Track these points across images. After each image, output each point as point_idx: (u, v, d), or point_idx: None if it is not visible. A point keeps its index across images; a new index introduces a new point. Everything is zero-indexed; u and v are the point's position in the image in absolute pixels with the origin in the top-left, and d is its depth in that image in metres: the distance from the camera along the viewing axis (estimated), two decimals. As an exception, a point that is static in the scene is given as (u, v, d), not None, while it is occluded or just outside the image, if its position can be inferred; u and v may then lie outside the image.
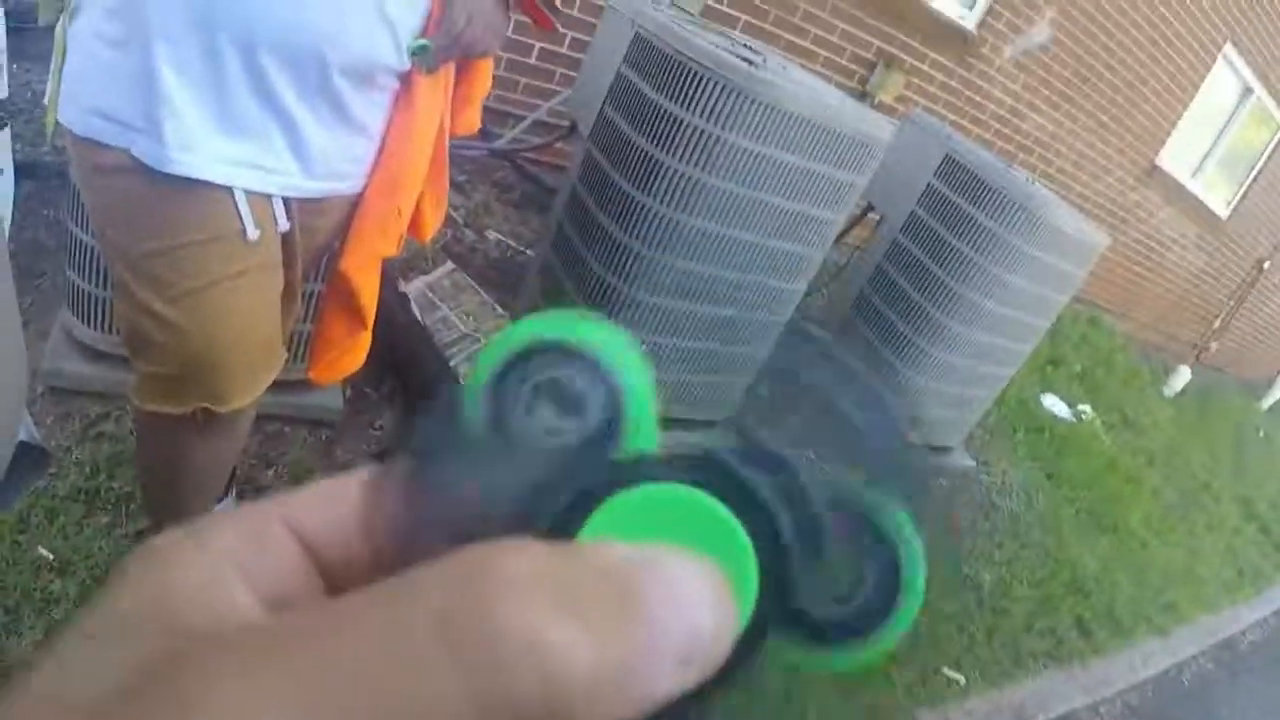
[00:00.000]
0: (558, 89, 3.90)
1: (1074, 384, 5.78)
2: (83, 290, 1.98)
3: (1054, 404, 5.23)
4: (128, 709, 0.16)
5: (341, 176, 1.31)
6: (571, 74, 3.84)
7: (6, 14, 1.67)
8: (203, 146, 1.13)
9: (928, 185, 3.44)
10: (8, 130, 1.71)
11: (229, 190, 1.17)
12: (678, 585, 0.19)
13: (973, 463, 4.07)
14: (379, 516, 0.22)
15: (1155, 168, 7.59)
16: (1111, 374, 6.51)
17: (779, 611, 0.22)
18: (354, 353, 1.57)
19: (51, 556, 1.73)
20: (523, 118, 3.88)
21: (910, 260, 3.47)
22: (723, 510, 0.21)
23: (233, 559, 0.20)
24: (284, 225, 1.27)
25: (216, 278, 1.21)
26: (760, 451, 0.23)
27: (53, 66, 1.19)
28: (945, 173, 3.39)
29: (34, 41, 2.49)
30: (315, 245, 1.42)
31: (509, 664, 0.16)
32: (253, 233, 1.20)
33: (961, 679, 2.90)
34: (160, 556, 0.20)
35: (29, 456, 1.51)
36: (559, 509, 0.22)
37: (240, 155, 1.17)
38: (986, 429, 4.44)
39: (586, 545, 0.20)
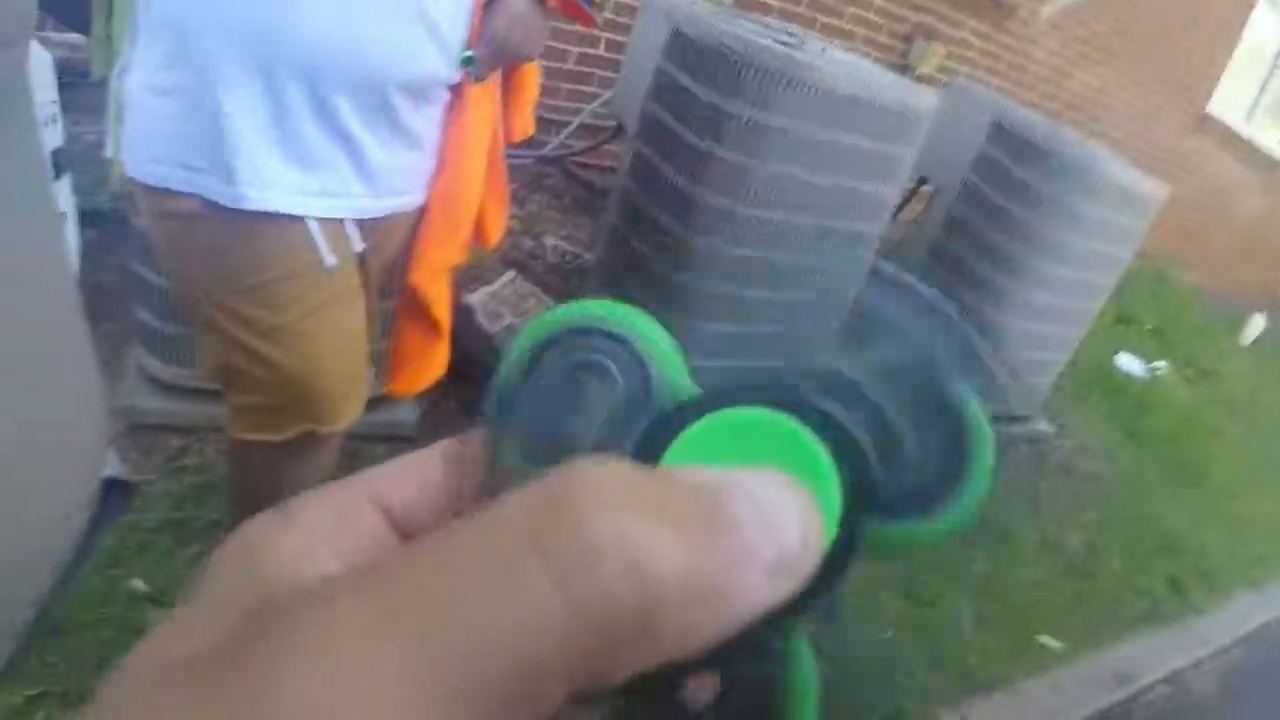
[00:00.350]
0: (598, 91, 3.92)
1: (1146, 340, 5.65)
2: (154, 328, 2.03)
3: (1128, 362, 5.11)
4: (204, 681, 0.16)
5: (403, 192, 1.33)
6: (610, 75, 3.86)
7: (58, 69, 1.72)
8: (274, 181, 1.15)
9: (979, 152, 3.39)
10: (67, 177, 1.76)
11: (303, 221, 1.19)
12: (764, 500, 0.19)
13: (1051, 428, 3.99)
14: (462, 484, 0.23)
15: (1206, 115, 7.40)
16: (1184, 327, 6.34)
17: (867, 504, 0.22)
18: (434, 362, 1.59)
19: (145, 588, 1.77)
20: (567, 123, 3.91)
21: (969, 229, 3.43)
22: (797, 427, 0.22)
23: (321, 535, 0.21)
24: (358, 246, 1.29)
25: (305, 310, 1.24)
26: (819, 371, 0.23)
27: (110, 119, 1.22)
28: (995, 138, 3.35)
29: (85, 95, 2.56)
30: (384, 264, 1.43)
31: (601, 567, 0.16)
32: (330, 260, 1.23)
33: (1058, 645, 2.85)
34: (251, 538, 0.21)
35: (116, 491, 1.56)
36: (635, 443, 0.23)
37: (310, 185, 1.18)
38: (1062, 393, 4.36)
39: (670, 467, 0.21)
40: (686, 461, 0.22)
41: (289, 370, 1.27)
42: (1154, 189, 3.39)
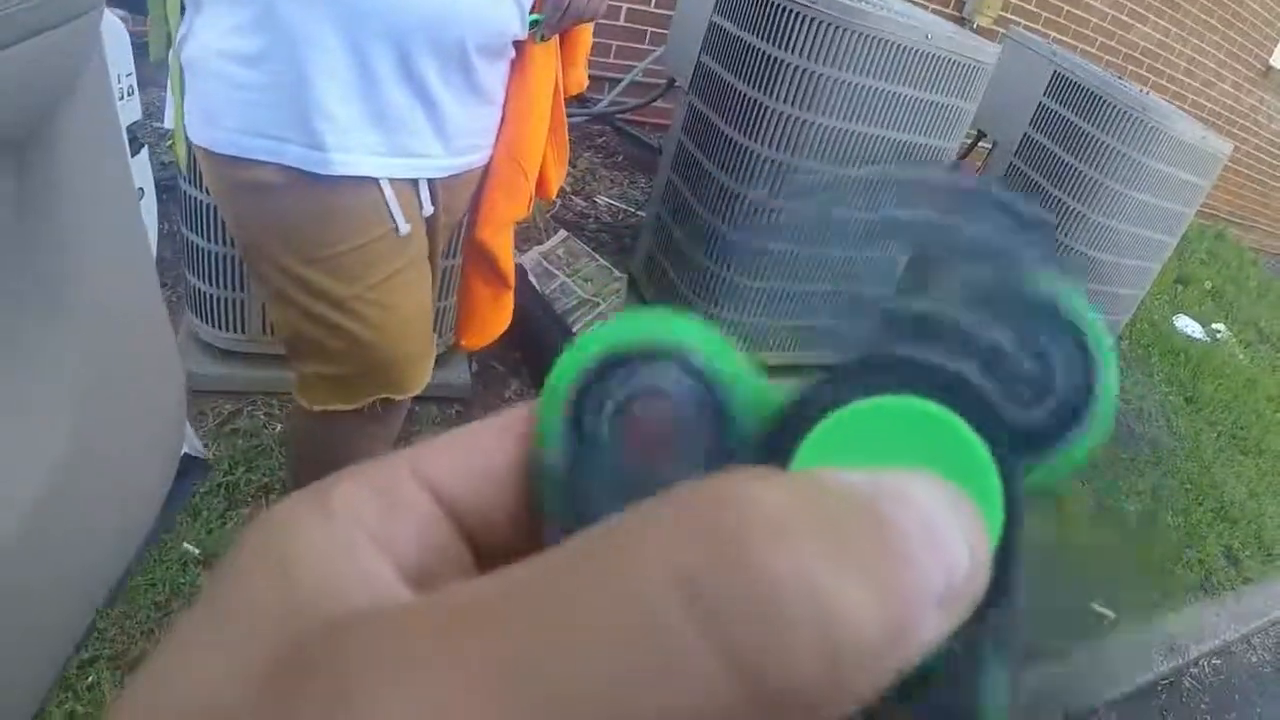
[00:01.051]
0: (650, 48, 3.88)
1: (1206, 302, 5.51)
2: (205, 293, 2.05)
3: (1187, 325, 4.99)
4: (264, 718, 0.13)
5: (475, 149, 1.33)
6: (662, 31, 3.80)
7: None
8: (358, 144, 1.15)
9: (1038, 105, 3.31)
10: (145, 151, 1.74)
11: (378, 189, 1.19)
12: (929, 516, 0.15)
13: (1107, 391, 3.90)
14: (525, 462, 0.20)
15: (1270, 68, 7.16)
16: (1244, 289, 6.18)
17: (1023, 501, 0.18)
18: (502, 314, 1.60)
19: (197, 551, 1.80)
20: (619, 80, 3.87)
21: (1027, 183, 3.35)
22: (950, 418, 0.18)
23: (362, 521, 0.17)
24: (429, 209, 1.30)
25: (379, 278, 1.24)
26: (903, 319, 0.20)
27: (169, 92, 1.21)
28: (1055, 91, 3.26)
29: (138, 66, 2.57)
30: (455, 220, 1.45)
31: (783, 627, 0.12)
32: (404, 228, 1.23)
33: (1111, 614, 2.81)
34: (280, 527, 0.17)
35: (194, 468, 1.58)
36: (760, 442, 0.19)
37: (391, 146, 1.19)
38: (1120, 355, 4.27)
39: (819, 471, 0.16)
40: (825, 456, 0.18)
41: (363, 340, 1.27)
42: (1217, 144, 3.29)
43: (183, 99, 1.18)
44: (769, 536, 0.13)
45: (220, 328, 2.10)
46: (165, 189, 2.52)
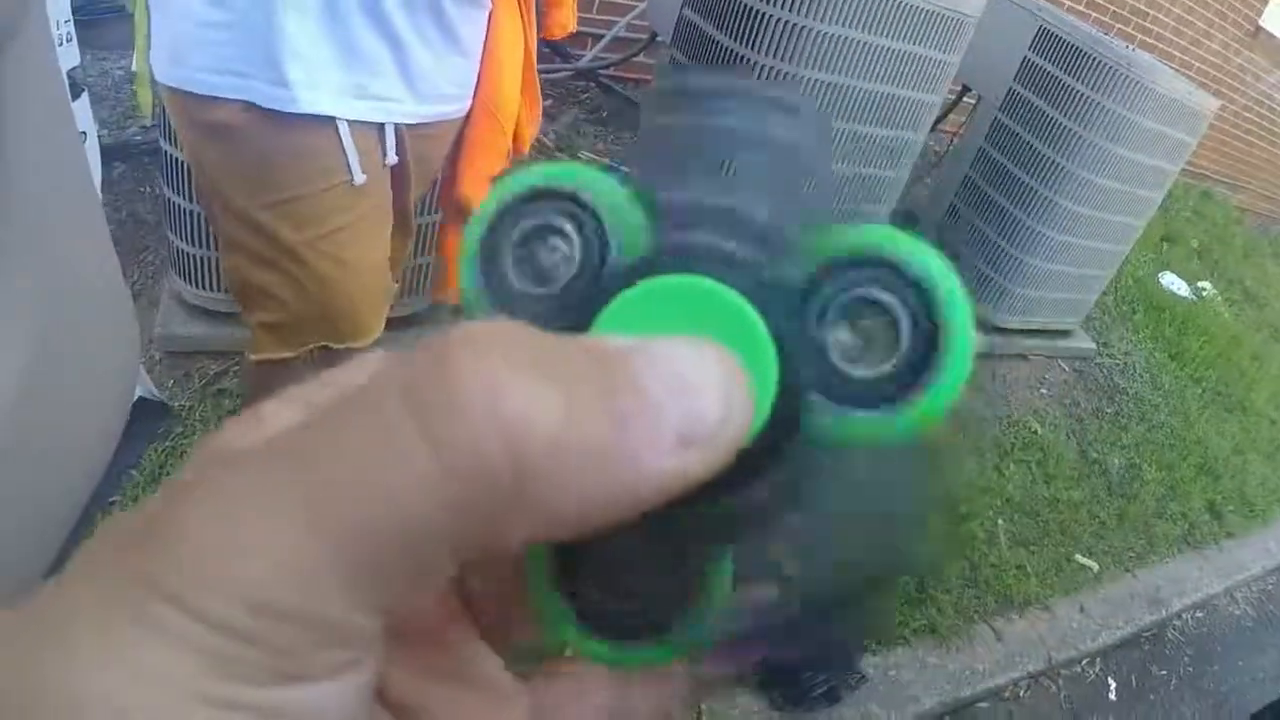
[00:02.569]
0: (633, 3, 3.84)
1: (1191, 260, 5.52)
2: (187, 254, 2.03)
3: (1172, 282, 5.01)
4: (128, 541, 0.16)
5: (448, 99, 1.31)
6: (645, -14, 3.78)
7: (73, 7, 1.70)
8: (322, 81, 1.13)
9: (1023, 60, 3.29)
10: (85, 96, 1.75)
11: (337, 136, 1.18)
12: (674, 364, 0.18)
13: (1093, 345, 3.94)
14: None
15: (1260, 29, 7.13)
16: (1229, 248, 6.20)
17: (810, 379, 0.20)
18: None
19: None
20: (601, 36, 3.84)
21: (1013, 139, 3.34)
22: (725, 290, 0.20)
23: (285, 425, 0.20)
24: (392, 159, 1.28)
25: (330, 228, 1.23)
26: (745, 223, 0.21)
27: (136, 35, 1.19)
28: (1040, 46, 3.25)
29: (105, 30, 2.53)
30: (429, 173, 1.43)
31: (467, 420, 0.15)
32: (359, 178, 1.21)
33: (1094, 566, 2.84)
34: (220, 432, 0.21)
35: (148, 410, 1.56)
36: (562, 319, 0.21)
37: (354, 84, 1.17)
38: (1105, 311, 4.30)
39: (578, 335, 0.19)
40: (624, 321, 0.20)
41: (308, 287, 1.27)
42: (1203, 101, 3.28)
43: (148, 41, 1.16)
44: (469, 352, 0.16)
45: (203, 288, 2.08)
46: (148, 152, 2.51)
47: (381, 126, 1.24)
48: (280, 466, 0.16)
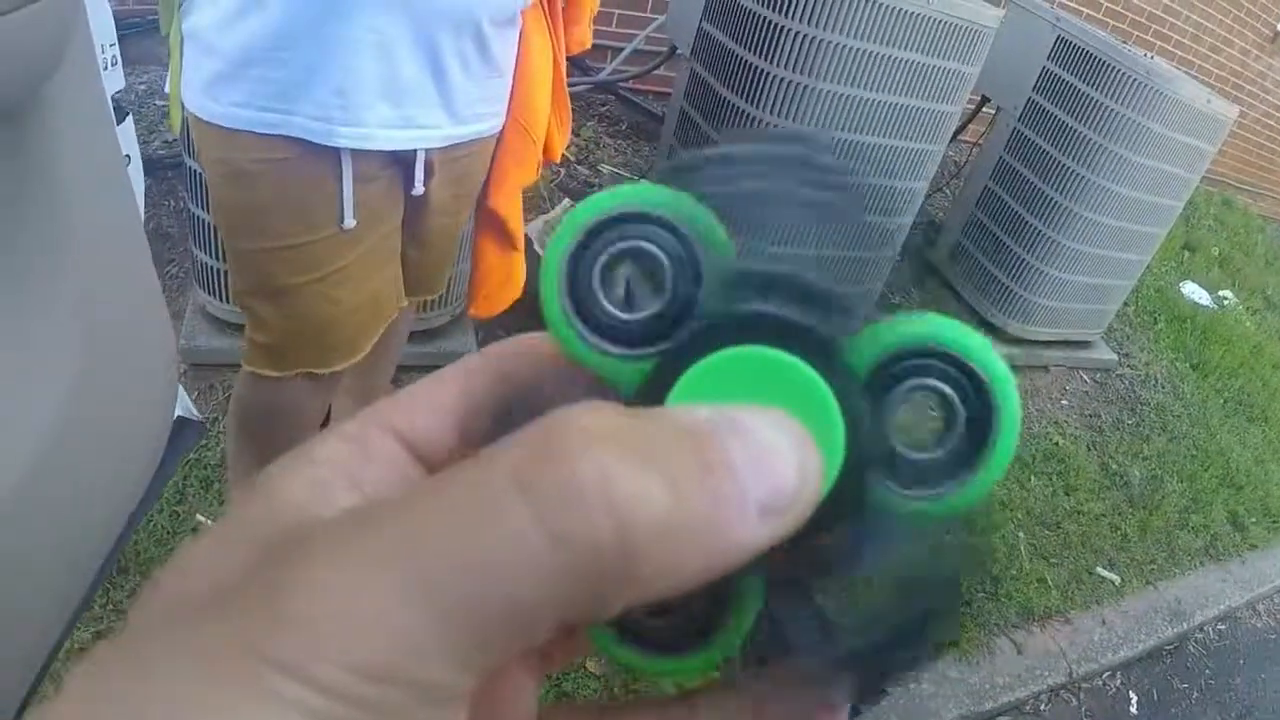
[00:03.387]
0: (652, 16, 3.86)
1: (1213, 269, 5.47)
2: (211, 267, 2.06)
3: (1194, 291, 4.96)
4: (227, 603, 0.17)
5: (484, 118, 1.33)
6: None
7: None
8: (368, 116, 1.16)
9: (1042, 70, 3.28)
10: (130, 119, 1.76)
11: (340, 186, 1.21)
12: (757, 437, 0.19)
13: (1114, 356, 3.91)
14: (472, 408, 0.23)
15: (1278, 35, 7.09)
16: (1252, 256, 6.14)
17: (872, 457, 0.22)
18: (511, 283, 1.63)
19: (209, 522, 1.81)
20: (621, 49, 3.86)
21: (1032, 149, 3.33)
22: (802, 366, 0.21)
23: (339, 468, 0.22)
24: (419, 190, 1.30)
25: (324, 273, 1.28)
26: (824, 293, 0.22)
27: (170, 67, 1.21)
28: (1059, 55, 3.23)
29: (129, 45, 2.57)
30: (470, 191, 1.45)
31: (583, 508, 0.17)
32: (349, 222, 1.24)
33: (1116, 578, 2.82)
34: (271, 475, 0.22)
35: (186, 429, 1.58)
36: (640, 380, 0.22)
37: (398, 117, 1.19)
38: (1126, 321, 4.27)
39: (667, 407, 0.21)
40: (695, 397, 0.21)
41: (298, 323, 1.32)
42: (1223, 109, 3.26)
43: (181, 67, 1.18)
44: (580, 443, 0.17)
45: (227, 301, 2.10)
46: (172, 165, 2.53)
47: (414, 156, 1.26)
48: (389, 542, 0.17)
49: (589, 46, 1.62)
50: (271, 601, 0.16)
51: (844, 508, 0.21)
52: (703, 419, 0.19)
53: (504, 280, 1.61)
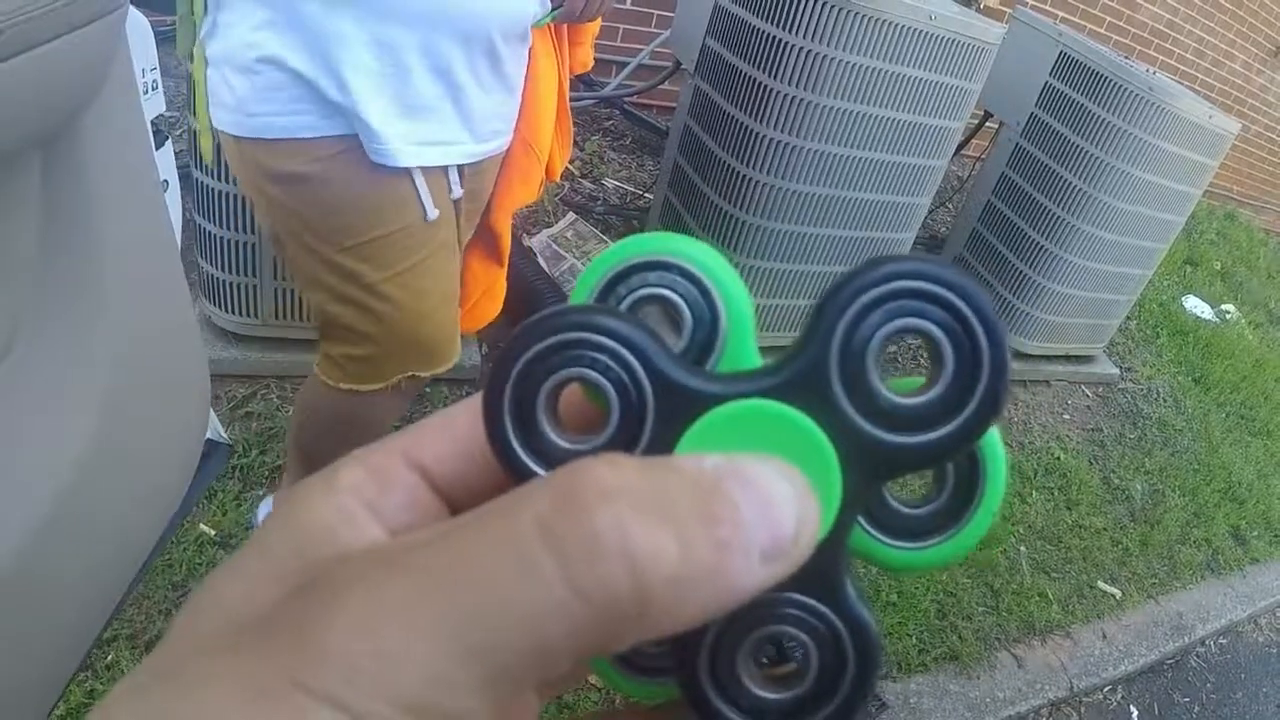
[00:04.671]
0: (657, 31, 3.88)
1: (1215, 283, 5.47)
2: (217, 279, 2.07)
3: (1196, 305, 4.96)
4: (264, 635, 0.18)
5: (499, 135, 1.35)
6: (668, 15, 3.80)
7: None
8: (388, 134, 1.17)
9: (1045, 85, 3.29)
10: (169, 144, 1.76)
11: (409, 176, 1.22)
12: (760, 488, 0.20)
13: (1116, 370, 3.92)
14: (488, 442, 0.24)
15: (1281, 49, 7.10)
16: (1254, 270, 6.14)
17: (866, 510, 0.24)
18: (491, 296, 1.63)
19: (213, 532, 1.82)
20: (625, 64, 3.88)
21: (1035, 164, 3.34)
22: (805, 421, 0.22)
23: (360, 497, 0.23)
24: (458, 193, 1.32)
25: (410, 264, 1.28)
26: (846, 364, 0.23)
27: (195, 94, 1.23)
28: (1061, 71, 3.25)
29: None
30: (479, 207, 1.46)
31: (603, 562, 0.18)
32: (433, 213, 1.26)
33: (1117, 592, 2.83)
34: (294, 502, 0.23)
35: (216, 452, 1.59)
36: (654, 430, 0.23)
37: (421, 135, 1.21)
38: (1128, 335, 4.27)
39: (677, 457, 0.22)
40: (703, 445, 0.23)
41: (395, 323, 1.32)
42: (1224, 123, 3.27)
43: (207, 93, 1.19)
44: (600, 500, 0.19)
45: (233, 312, 2.12)
46: (180, 178, 2.54)
47: (446, 166, 1.28)
48: (420, 583, 0.18)
49: (590, 68, 1.64)
50: (311, 635, 0.18)
51: (831, 550, 0.23)
52: (709, 469, 0.20)
53: (486, 291, 1.62)
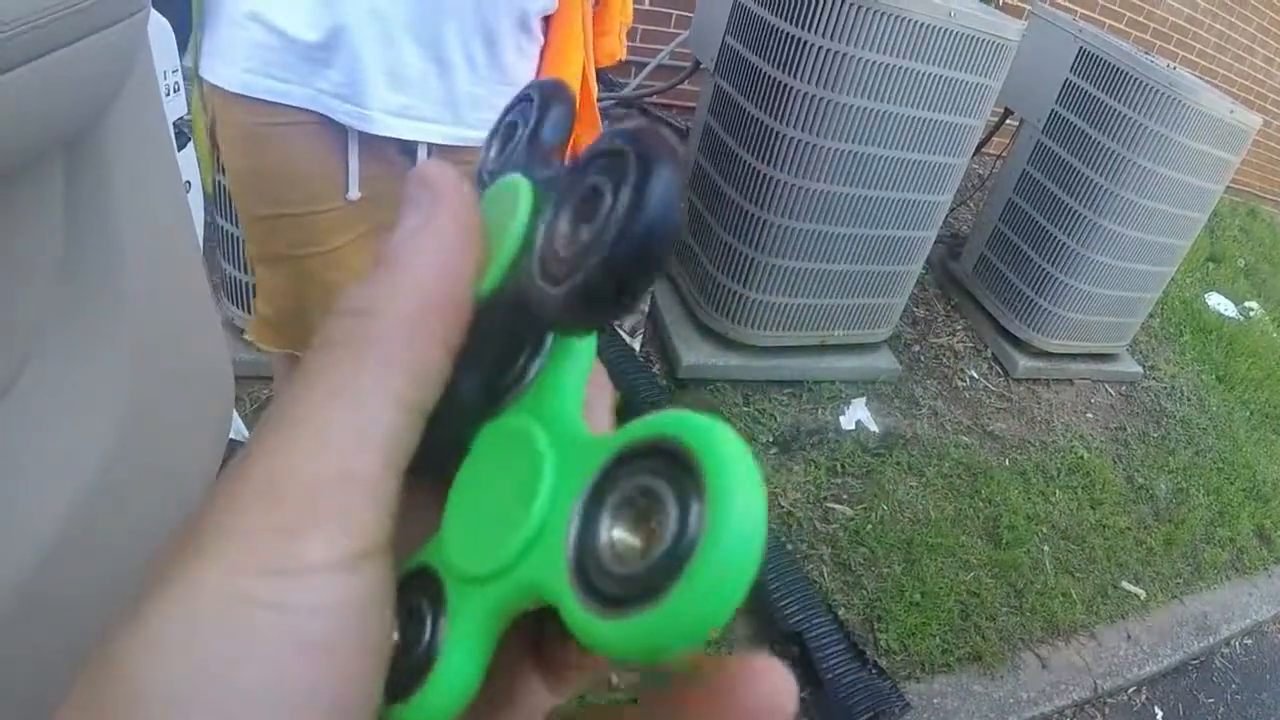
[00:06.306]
0: (676, 31, 3.89)
1: (1239, 280, 5.42)
2: (239, 280, 2.08)
3: (1219, 303, 4.92)
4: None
5: (485, 125, 1.33)
6: (687, 14, 3.81)
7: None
8: (371, 101, 1.18)
9: (1065, 82, 3.28)
10: (190, 146, 1.78)
11: (345, 159, 1.23)
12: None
13: (1139, 368, 3.89)
14: None
15: (1305, 43, 7.04)
16: (1277, 267, 6.07)
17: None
18: None
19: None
20: (645, 64, 3.89)
21: (1056, 161, 3.33)
22: (522, 182, 0.25)
23: None
24: None
25: (328, 247, 1.30)
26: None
27: (193, 36, 1.24)
28: (1081, 67, 3.23)
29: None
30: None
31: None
32: (353, 193, 1.27)
33: (1141, 593, 2.80)
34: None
35: (239, 454, 1.59)
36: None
37: (400, 105, 1.21)
38: (1151, 333, 4.24)
39: None
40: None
41: (290, 300, 1.35)
42: (1246, 118, 3.24)
43: (201, 40, 1.21)
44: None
45: (252, 313, 2.12)
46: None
47: (415, 145, 1.28)
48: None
49: (621, 58, 1.62)
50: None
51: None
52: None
53: None
